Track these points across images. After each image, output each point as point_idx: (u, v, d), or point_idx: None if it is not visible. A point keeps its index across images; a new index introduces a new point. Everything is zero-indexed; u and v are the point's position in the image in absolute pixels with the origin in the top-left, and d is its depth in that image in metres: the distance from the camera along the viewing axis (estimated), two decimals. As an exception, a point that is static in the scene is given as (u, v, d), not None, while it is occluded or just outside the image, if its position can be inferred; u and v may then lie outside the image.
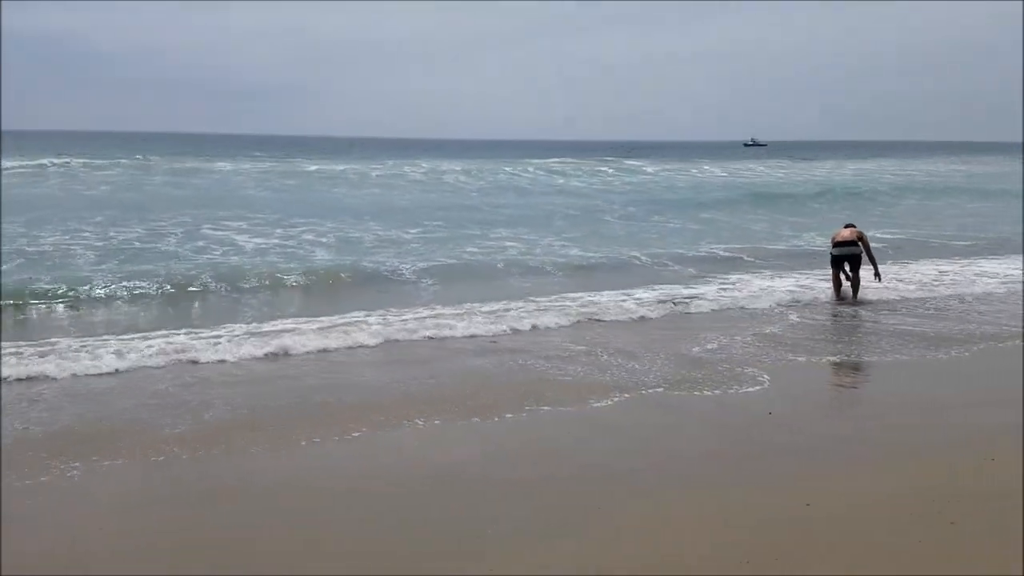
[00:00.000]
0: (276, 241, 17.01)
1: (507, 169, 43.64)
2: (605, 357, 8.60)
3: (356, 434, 6.35)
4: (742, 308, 11.21)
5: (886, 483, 5.41)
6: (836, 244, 12.21)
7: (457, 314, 10.39)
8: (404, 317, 10.24)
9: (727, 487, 5.38)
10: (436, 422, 6.65)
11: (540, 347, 9.05)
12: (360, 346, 8.99)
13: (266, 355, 8.53)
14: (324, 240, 17.36)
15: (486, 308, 10.80)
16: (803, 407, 7.32)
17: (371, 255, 15.55)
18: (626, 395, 7.34)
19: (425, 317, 10.29)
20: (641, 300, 11.58)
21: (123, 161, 38.48)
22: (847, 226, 12.63)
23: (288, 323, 9.90)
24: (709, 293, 12.25)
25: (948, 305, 11.50)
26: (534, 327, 9.93)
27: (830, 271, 12.29)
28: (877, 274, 12.28)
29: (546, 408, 6.99)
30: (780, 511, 4.96)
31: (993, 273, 14.12)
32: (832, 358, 8.96)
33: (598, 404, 7.11)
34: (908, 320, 10.58)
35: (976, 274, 14.06)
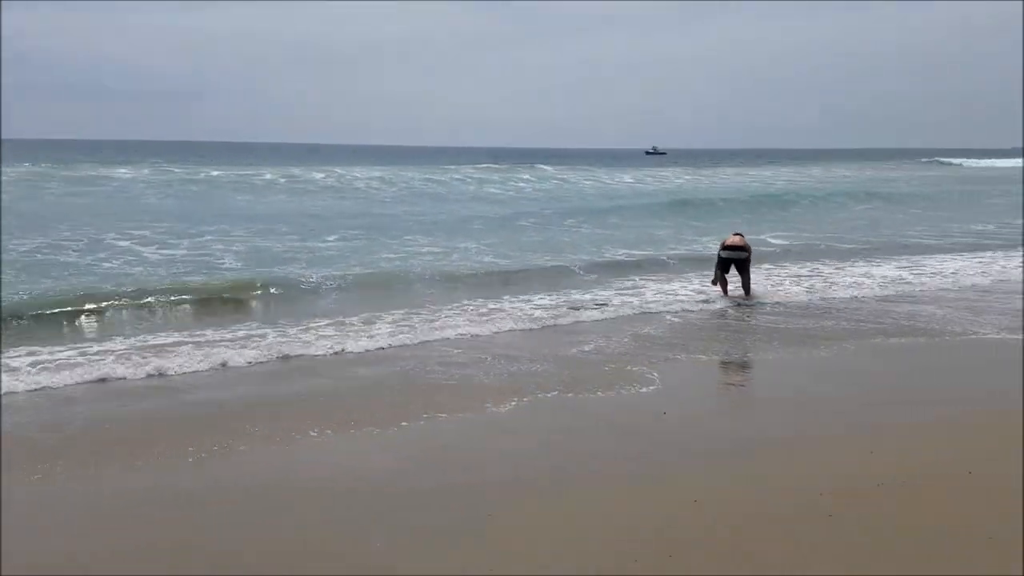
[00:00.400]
0: (183, 251, 16.56)
1: (422, 176, 43.73)
2: (503, 363, 8.62)
3: (243, 448, 6.19)
4: (639, 311, 11.38)
5: (770, 478, 5.54)
6: (725, 248, 12.75)
7: (356, 325, 10.24)
8: (304, 327, 10.05)
9: (619, 487, 5.43)
10: (329, 432, 6.53)
11: (440, 355, 9.00)
12: (258, 362, 8.68)
13: (156, 370, 8.27)
14: (234, 249, 16.98)
15: (388, 317, 10.69)
16: (694, 406, 7.48)
17: (281, 264, 15.28)
18: (524, 399, 7.35)
19: (324, 325, 10.15)
20: (542, 305, 11.71)
21: (8, 171, 36.65)
22: (736, 234, 13.18)
23: (177, 337, 9.63)
24: (608, 297, 12.45)
25: (830, 306, 11.88)
26: (435, 335, 9.83)
27: (714, 273, 12.79)
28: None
29: (443, 415, 6.94)
30: (670, 509, 5.04)
31: (870, 275, 14.67)
32: (722, 357, 9.24)
33: (496, 409, 7.10)
34: (791, 320, 10.92)
35: (856, 275, 14.60)
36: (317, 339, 9.59)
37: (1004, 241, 20.42)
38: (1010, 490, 5.16)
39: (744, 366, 9.14)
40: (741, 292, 12.64)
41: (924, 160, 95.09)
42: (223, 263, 15.37)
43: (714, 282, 12.78)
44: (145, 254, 16.16)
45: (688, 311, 11.55)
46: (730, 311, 11.72)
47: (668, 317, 11.12)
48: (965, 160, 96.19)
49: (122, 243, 17.34)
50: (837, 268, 15.67)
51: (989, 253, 17.91)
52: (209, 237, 18.69)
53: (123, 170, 40.43)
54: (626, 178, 49.55)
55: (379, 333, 9.90)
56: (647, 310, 11.53)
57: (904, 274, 14.90)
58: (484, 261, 16.32)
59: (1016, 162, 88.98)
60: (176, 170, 42.91)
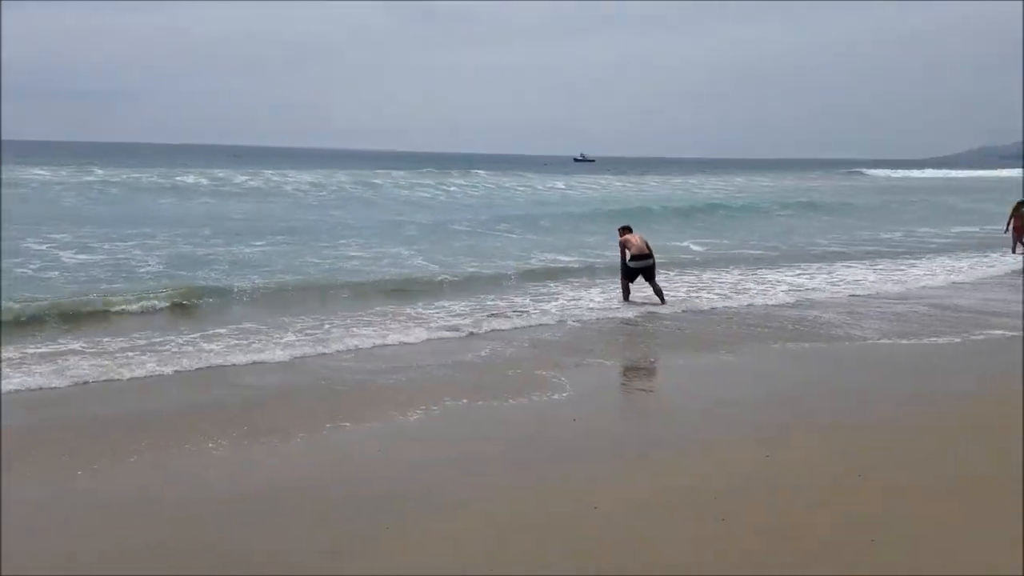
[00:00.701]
0: (102, 256, 16.04)
1: (354, 180, 43.42)
2: (413, 371, 8.49)
3: (132, 460, 5.99)
4: (556, 318, 11.36)
5: (667, 481, 5.57)
6: (634, 257, 12.69)
7: (267, 333, 10.01)
8: (211, 336, 9.84)
9: (523, 495, 5.39)
10: (224, 443, 6.33)
11: (350, 364, 8.83)
12: (156, 374, 8.29)
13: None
14: (156, 254, 16.51)
15: (299, 325, 10.52)
16: (604, 412, 7.54)
17: (203, 268, 14.98)
18: (433, 408, 7.25)
19: (232, 334, 9.95)
20: (459, 312, 11.67)
21: None
22: (630, 230, 13.09)
23: (74, 345, 9.32)
24: (527, 304, 12.48)
25: (737, 312, 12.09)
26: (346, 344, 9.59)
27: (621, 281, 12.85)
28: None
29: (348, 425, 6.82)
30: (571, 515, 5.03)
31: (778, 281, 15.13)
32: (632, 363, 9.43)
33: (403, 418, 6.98)
34: (699, 325, 11.13)
35: (765, 282, 14.97)
36: (225, 348, 9.33)
37: (907, 249, 21.23)
38: (898, 493, 5.29)
39: (652, 371, 9.27)
40: (646, 296, 12.67)
41: (845, 171, 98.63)
42: (145, 268, 14.92)
43: (627, 290, 12.86)
44: (63, 259, 15.64)
45: (603, 318, 11.63)
46: (639, 318, 11.76)
47: (579, 324, 11.15)
48: (884, 171, 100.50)
49: (39, 247, 16.82)
50: (747, 275, 15.99)
51: (889, 261, 18.42)
52: (132, 242, 18.14)
53: (40, 171, 39.02)
54: (559, 184, 50.13)
55: (288, 342, 9.62)
56: (563, 317, 11.53)
57: (807, 281, 15.28)
58: (413, 265, 16.24)
59: (928, 172, 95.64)
60: (99, 171, 41.70)
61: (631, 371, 9.29)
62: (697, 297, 13.52)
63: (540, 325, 11.09)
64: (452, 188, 42.56)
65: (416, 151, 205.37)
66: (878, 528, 4.78)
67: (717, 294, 13.82)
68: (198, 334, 9.98)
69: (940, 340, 10.20)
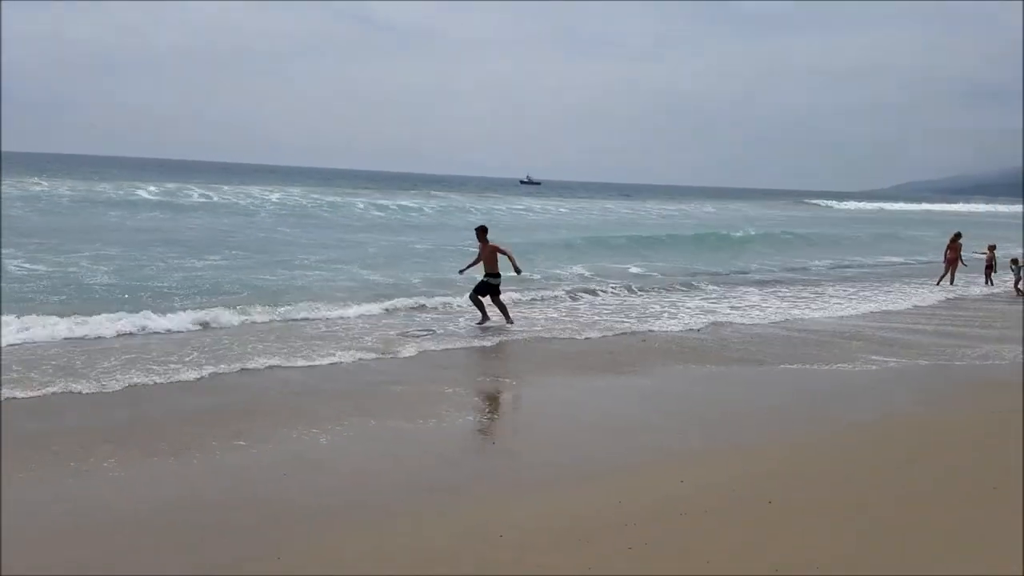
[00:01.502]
0: (46, 268, 15.70)
1: (317, 195, 43.21)
2: (319, 392, 8.26)
3: (21, 476, 5.72)
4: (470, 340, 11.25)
5: (580, 508, 5.33)
6: (489, 275, 12.45)
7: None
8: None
9: (426, 517, 5.14)
10: (113, 461, 6.01)
11: (259, 383, 8.56)
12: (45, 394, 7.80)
13: None
14: (103, 268, 16.21)
15: (206, 341, 10.27)
16: (519, 433, 7.39)
17: (149, 281, 14.70)
18: (338, 427, 7.01)
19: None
20: (382, 333, 11.64)
21: None
22: (486, 233, 12.73)
23: None
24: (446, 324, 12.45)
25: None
26: (252, 364, 9.24)
27: (473, 297, 12.52)
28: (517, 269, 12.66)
29: (242, 443, 6.55)
30: (473, 541, 4.81)
31: (678, 304, 15.45)
32: (529, 383, 9.14)
33: (302, 437, 6.71)
34: (573, 348, 11.00)
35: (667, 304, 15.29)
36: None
37: (825, 277, 21.62)
38: (806, 520, 5.17)
39: (557, 392, 8.90)
40: (506, 317, 12.34)
41: (797, 200, 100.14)
42: (93, 281, 14.61)
43: (485, 315, 12.41)
44: (11, 268, 15.31)
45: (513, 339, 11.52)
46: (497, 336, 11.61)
47: (484, 344, 11.06)
48: (831, 202, 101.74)
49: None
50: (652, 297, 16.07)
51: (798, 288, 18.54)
52: (84, 254, 17.87)
53: None
54: (517, 206, 50.46)
55: (197, 361, 9.25)
56: (483, 339, 11.40)
57: (717, 306, 15.23)
58: (357, 282, 16.11)
59: (871, 204, 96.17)
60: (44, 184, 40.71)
61: (541, 391, 8.99)
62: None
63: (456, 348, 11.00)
64: (411, 207, 42.31)
65: (348, 168, 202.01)
66: (780, 556, 4.59)
67: (635, 316, 13.71)
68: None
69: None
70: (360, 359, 9.81)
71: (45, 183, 42.71)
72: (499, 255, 12.59)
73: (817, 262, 26.00)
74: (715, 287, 18.12)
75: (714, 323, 13.27)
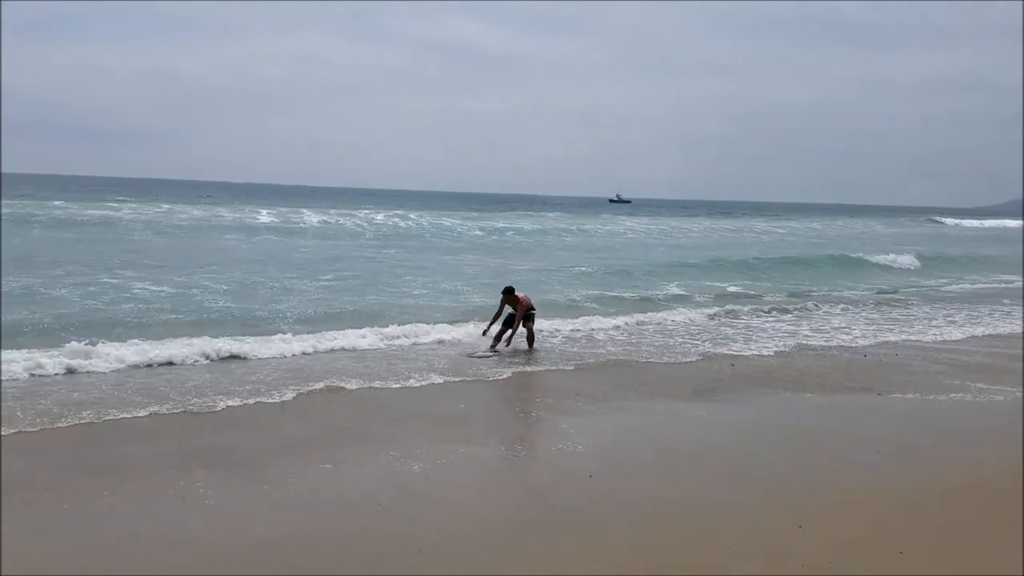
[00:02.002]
0: (170, 289, 16.16)
1: (415, 216, 43.91)
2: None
3: None
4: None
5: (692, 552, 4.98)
6: (528, 308, 12.15)
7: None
8: None
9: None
10: (210, 488, 5.95)
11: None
12: None
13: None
14: (223, 287, 16.69)
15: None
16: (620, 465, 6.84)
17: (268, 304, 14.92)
18: (431, 452, 6.84)
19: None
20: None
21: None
22: (516, 295, 12.23)
23: None
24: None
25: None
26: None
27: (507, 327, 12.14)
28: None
29: (332, 467, 6.47)
30: None
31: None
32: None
33: (403, 464, 6.47)
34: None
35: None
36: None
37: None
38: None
39: (650, 419, 8.41)
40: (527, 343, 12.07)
41: (921, 219, 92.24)
42: (215, 303, 14.98)
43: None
44: (136, 290, 15.87)
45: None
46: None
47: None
48: (950, 219, 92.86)
49: (112, 280, 17.07)
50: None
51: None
52: (200, 275, 18.34)
53: (60, 204, 39.85)
54: (621, 227, 49.35)
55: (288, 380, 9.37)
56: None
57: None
58: (459, 303, 15.95)
59: (993, 221, 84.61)
60: (163, 207, 42.71)
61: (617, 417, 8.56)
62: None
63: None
64: (510, 230, 42.38)
65: (445, 191, 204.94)
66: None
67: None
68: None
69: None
70: (453, 380, 9.78)
71: (164, 205, 44.82)
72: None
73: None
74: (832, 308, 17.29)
75: (820, 346, 12.74)
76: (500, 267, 24.07)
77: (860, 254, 30.94)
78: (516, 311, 12.14)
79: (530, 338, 12.24)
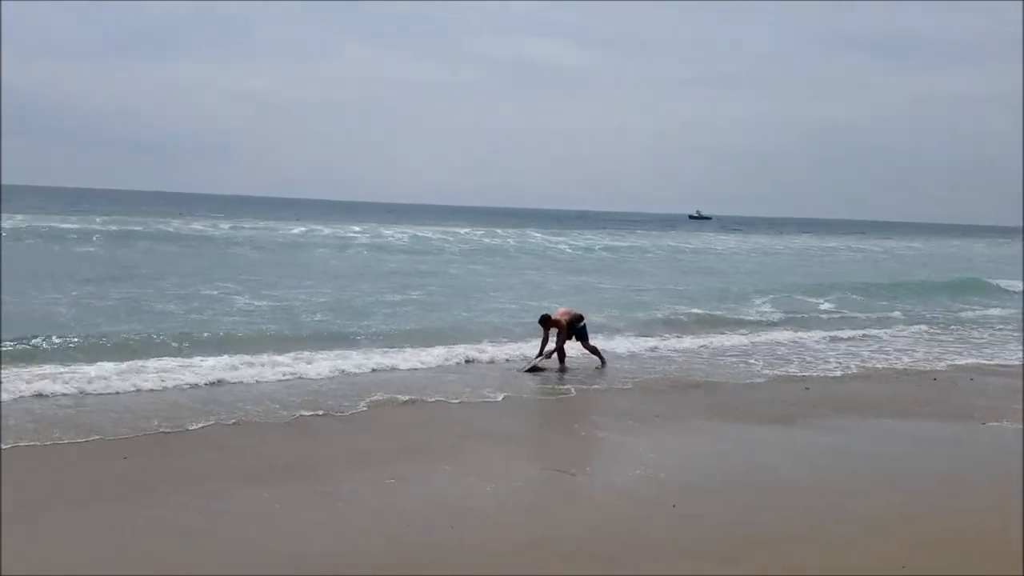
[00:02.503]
0: (267, 303, 16.47)
1: (499, 232, 44.08)
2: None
3: None
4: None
5: None
6: (576, 319, 11.75)
7: None
8: None
9: None
10: (279, 503, 5.81)
11: None
12: None
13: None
14: (321, 301, 17.04)
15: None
16: (699, 494, 6.41)
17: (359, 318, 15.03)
18: (503, 472, 6.65)
19: None
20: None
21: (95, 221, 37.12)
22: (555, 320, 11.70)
23: None
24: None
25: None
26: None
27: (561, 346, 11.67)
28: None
29: (398, 483, 6.24)
30: None
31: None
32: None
33: (473, 484, 6.27)
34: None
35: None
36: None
37: None
38: None
39: (727, 444, 7.98)
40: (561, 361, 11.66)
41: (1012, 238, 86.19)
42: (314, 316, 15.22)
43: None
44: (239, 304, 16.29)
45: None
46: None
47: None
48: None
49: (212, 292, 17.65)
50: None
51: None
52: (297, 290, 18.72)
53: (199, 225, 41.23)
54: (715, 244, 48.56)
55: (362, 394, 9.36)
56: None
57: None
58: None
59: None
60: (246, 226, 43.86)
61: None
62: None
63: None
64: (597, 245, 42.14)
65: (521, 207, 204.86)
66: None
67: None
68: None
69: None
70: (526, 397, 9.72)
71: (261, 224, 46.21)
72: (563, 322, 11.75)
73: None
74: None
75: (906, 370, 12.13)
76: (583, 284, 23.84)
77: (988, 278, 28.51)
78: (560, 331, 11.69)
79: (593, 351, 11.82)
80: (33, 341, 11.05)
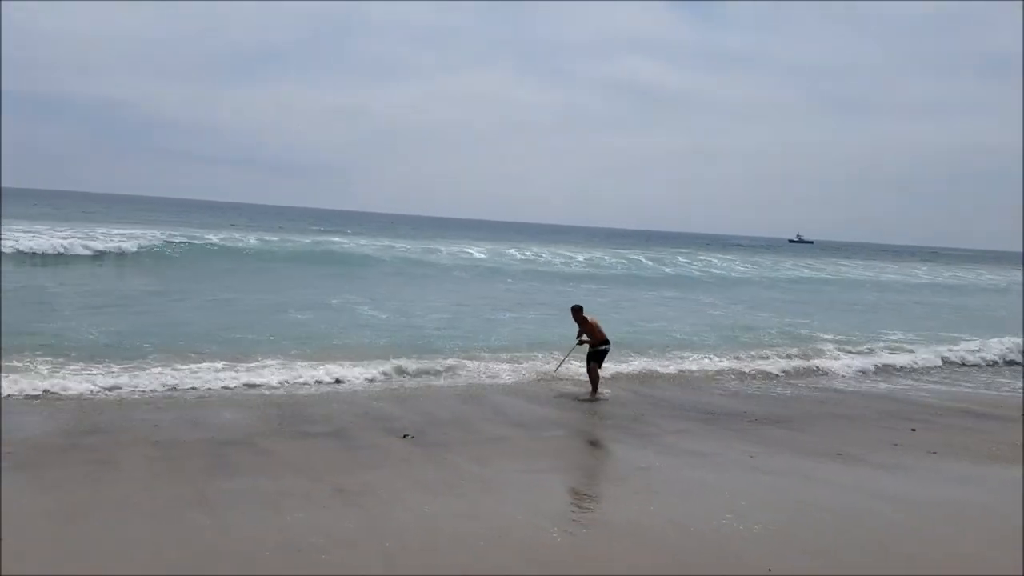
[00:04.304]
0: (388, 315, 16.79)
1: (633, 254, 43.29)
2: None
3: None
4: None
5: None
6: (602, 342, 11.08)
7: None
8: None
9: None
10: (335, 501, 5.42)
11: None
12: None
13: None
14: (436, 316, 17.21)
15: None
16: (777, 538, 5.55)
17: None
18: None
19: None
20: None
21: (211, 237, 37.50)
22: (584, 312, 11.34)
23: None
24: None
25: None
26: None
27: (589, 365, 11.14)
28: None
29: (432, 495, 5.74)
30: None
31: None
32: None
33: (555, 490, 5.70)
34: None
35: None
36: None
37: None
38: None
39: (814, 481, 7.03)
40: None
41: None
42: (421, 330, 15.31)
43: (595, 375, 11.05)
44: (366, 314, 16.77)
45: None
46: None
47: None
48: None
49: (338, 302, 18.21)
50: None
51: None
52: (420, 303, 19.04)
53: (361, 241, 41.97)
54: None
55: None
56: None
57: None
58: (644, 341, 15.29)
59: None
60: (404, 245, 44.06)
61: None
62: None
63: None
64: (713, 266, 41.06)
65: (618, 227, 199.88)
66: None
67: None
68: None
69: None
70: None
71: (386, 240, 47.16)
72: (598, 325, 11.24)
73: None
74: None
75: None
76: (692, 305, 23.19)
77: None
78: (590, 332, 11.23)
79: (594, 377, 11.09)
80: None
